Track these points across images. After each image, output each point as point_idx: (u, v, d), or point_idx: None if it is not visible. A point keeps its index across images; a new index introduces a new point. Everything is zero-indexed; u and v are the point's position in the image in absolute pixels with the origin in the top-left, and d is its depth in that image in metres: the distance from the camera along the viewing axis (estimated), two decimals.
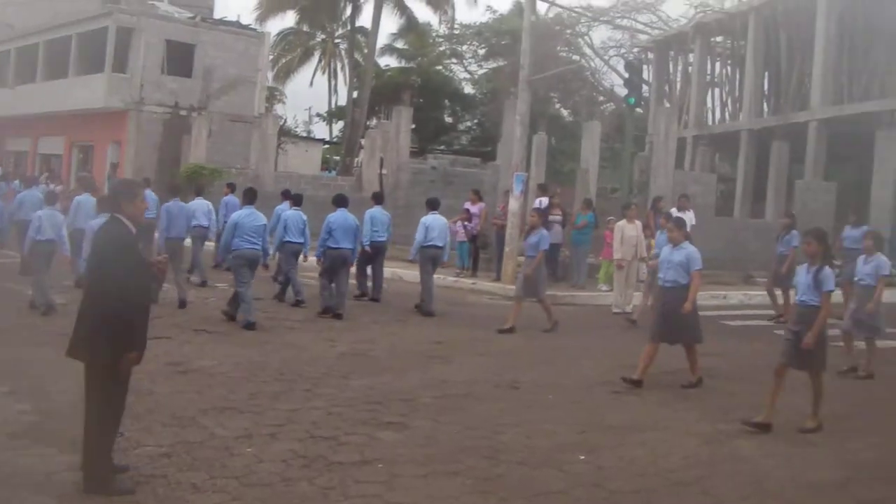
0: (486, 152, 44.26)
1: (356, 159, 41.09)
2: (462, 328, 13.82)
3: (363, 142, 36.09)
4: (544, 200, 19.56)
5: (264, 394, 8.83)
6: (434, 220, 15.53)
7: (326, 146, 57.01)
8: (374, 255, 16.33)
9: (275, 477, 6.43)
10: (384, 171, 28.07)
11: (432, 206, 15.97)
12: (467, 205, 21.06)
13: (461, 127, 56.28)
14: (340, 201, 15.06)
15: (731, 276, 21.45)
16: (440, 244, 15.46)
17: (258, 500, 5.98)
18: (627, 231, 16.38)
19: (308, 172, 40.31)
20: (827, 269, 8.53)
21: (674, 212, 19.04)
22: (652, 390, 10.03)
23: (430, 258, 15.41)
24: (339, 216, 14.68)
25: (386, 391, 9.29)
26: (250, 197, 14.03)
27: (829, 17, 30.58)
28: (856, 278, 12.15)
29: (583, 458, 7.37)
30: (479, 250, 21.12)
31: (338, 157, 48.50)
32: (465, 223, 20.71)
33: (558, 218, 19.81)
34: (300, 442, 7.29)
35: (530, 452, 7.42)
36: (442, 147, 50.18)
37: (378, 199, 17.08)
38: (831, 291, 8.51)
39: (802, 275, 8.77)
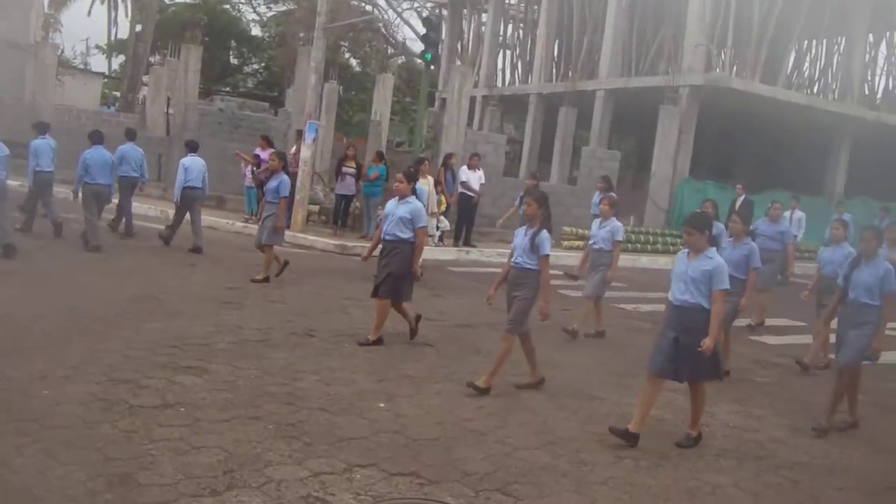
0: (272, 97, 43.72)
1: (138, 96, 39.63)
2: (253, 274, 13.67)
3: (146, 78, 34.85)
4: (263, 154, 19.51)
5: (56, 336, 8.50)
6: (193, 161, 15.87)
7: (106, 80, 54.58)
8: (127, 191, 16.48)
9: (76, 419, 6.25)
10: (170, 111, 27.24)
11: (191, 147, 16.35)
12: (257, 150, 20.76)
13: (247, 69, 55.23)
14: (96, 137, 15.28)
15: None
16: (198, 185, 15.78)
17: (60, 442, 5.80)
18: (420, 186, 16.62)
19: (87, 107, 38.47)
20: (544, 233, 8.39)
21: (464, 170, 19.59)
22: (447, 344, 10.34)
23: (191, 199, 15.74)
24: (95, 153, 14.97)
25: (181, 335, 9.14)
26: None
27: None
28: (591, 242, 12.23)
29: (382, 405, 7.53)
30: None
31: (118, 93, 46.58)
32: (254, 168, 20.41)
33: (352, 170, 19.87)
34: (98, 385, 7.09)
35: (331, 399, 7.51)
36: (227, 89, 49.15)
37: (131, 135, 17.16)
38: (547, 256, 8.36)
39: (520, 237, 8.60)
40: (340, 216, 20.23)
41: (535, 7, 38.64)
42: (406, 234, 9.91)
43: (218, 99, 34.17)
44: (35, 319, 9.08)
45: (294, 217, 19.13)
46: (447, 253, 19.07)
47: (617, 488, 6.28)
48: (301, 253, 14.63)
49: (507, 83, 41.32)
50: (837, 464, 7.52)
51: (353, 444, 6.48)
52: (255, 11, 55.00)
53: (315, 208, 21.61)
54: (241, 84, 53.15)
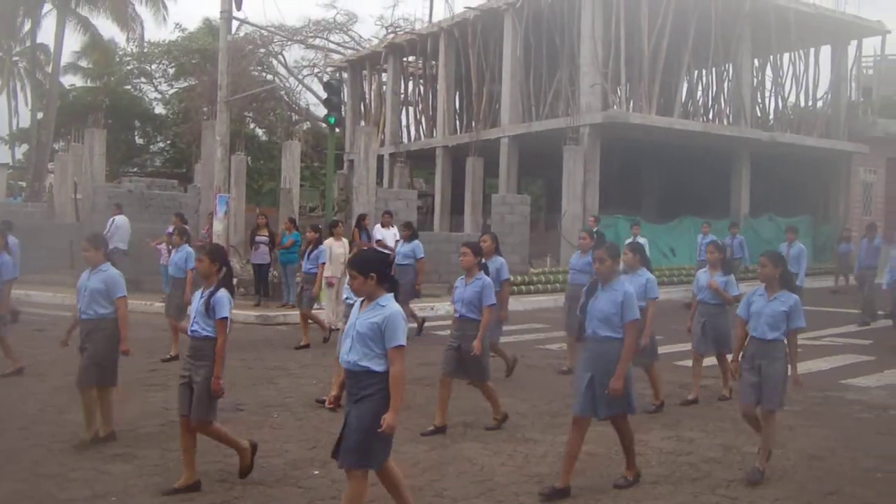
0: (181, 173, 43.48)
1: (45, 184, 39.14)
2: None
3: (51, 165, 34.48)
4: None
5: None
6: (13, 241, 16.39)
7: (10, 171, 53.71)
8: None
9: None
10: (78, 196, 26.95)
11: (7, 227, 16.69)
12: (170, 229, 20.64)
13: (153, 148, 54.80)
14: None
15: (437, 288, 22.20)
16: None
17: None
18: (335, 249, 16.64)
19: None
20: (220, 293, 7.16)
21: (378, 228, 19.72)
22: None
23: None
24: None
25: None
26: None
27: (516, 40, 32.57)
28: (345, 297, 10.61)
29: (317, 472, 7.55)
30: None
31: (24, 183, 45.88)
32: (169, 247, 20.29)
33: (264, 238, 19.88)
34: (24, 482, 7.00)
35: (265, 472, 7.50)
36: (135, 169, 48.72)
37: None
38: (225, 319, 7.07)
39: (196, 301, 7.33)
40: (260, 286, 20.18)
41: (433, 62, 39.18)
42: (105, 310, 8.50)
43: (126, 180, 33.91)
44: None
45: None
46: None
47: None
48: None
49: (412, 139, 41.70)
50: (772, 476, 7.69)
51: None
52: (156, 90, 54.65)
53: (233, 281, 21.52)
54: (149, 163, 52.67)
